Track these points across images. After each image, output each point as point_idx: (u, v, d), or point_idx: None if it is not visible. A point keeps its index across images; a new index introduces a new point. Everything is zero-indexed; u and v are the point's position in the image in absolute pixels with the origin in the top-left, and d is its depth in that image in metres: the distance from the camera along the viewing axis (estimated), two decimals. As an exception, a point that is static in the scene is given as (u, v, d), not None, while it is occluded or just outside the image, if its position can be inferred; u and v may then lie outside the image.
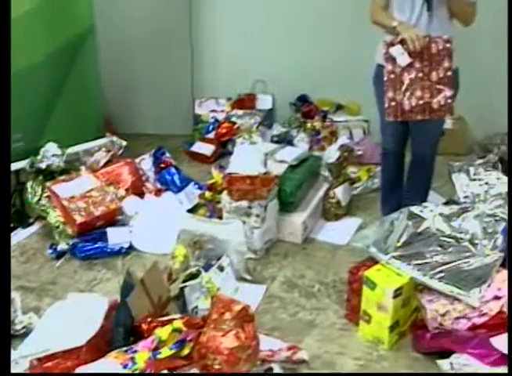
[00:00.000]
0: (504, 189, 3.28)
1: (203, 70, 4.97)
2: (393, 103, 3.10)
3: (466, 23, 3.19)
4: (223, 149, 4.64)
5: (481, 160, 3.76)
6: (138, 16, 4.78)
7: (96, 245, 3.44)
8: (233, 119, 4.73)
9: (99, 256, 3.42)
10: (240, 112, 4.79)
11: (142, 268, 3.11)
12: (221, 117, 4.81)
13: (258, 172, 3.29)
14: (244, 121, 4.68)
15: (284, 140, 4.53)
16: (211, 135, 4.71)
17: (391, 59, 3.07)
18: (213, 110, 4.90)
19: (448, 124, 4.53)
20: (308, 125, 4.63)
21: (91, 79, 4.26)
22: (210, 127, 4.77)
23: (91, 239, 3.46)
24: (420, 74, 3.05)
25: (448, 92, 3.04)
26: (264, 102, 4.93)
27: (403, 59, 3.05)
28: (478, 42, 4.46)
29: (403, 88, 3.08)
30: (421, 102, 3.07)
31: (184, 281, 2.81)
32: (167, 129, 5.04)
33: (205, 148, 4.62)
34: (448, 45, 3.01)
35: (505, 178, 3.41)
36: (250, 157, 3.40)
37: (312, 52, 4.77)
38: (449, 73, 3.03)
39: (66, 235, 3.50)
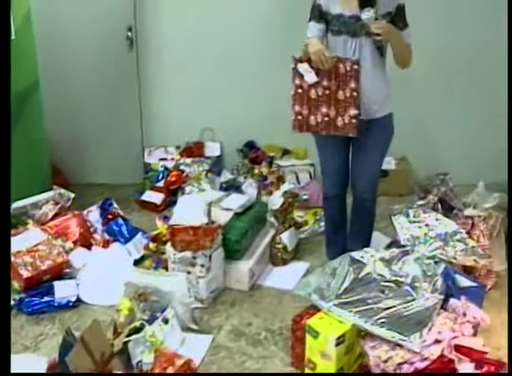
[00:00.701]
0: (444, 230, 3.36)
1: (152, 119, 5.01)
2: (299, 117, 3.24)
3: (403, 65, 3.30)
4: (173, 197, 4.65)
5: (421, 202, 3.81)
6: (86, 67, 4.81)
7: (43, 299, 3.40)
8: (182, 167, 4.76)
9: (46, 310, 3.39)
10: (189, 160, 4.82)
11: (89, 321, 3.08)
12: (170, 165, 4.83)
13: (201, 223, 3.32)
14: (193, 169, 4.71)
15: (233, 187, 4.58)
16: (161, 184, 4.73)
17: (299, 74, 3.18)
18: (162, 159, 4.92)
19: (392, 164, 4.71)
20: (256, 171, 4.68)
21: (37, 133, 4.26)
22: (160, 175, 4.79)
23: (37, 293, 3.42)
24: (327, 92, 3.15)
25: (352, 111, 3.13)
26: (212, 149, 4.98)
27: (310, 78, 3.15)
28: (417, 88, 4.63)
29: (310, 103, 3.20)
30: (326, 119, 3.18)
31: (128, 335, 2.80)
32: (117, 178, 5.04)
33: (155, 197, 4.63)
34: (355, 67, 3.10)
35: (445, 220, 3.50)
36: (192, 207, 3.43)
37: (258, 99, 4.86)
38: (355, 93, 3.12)
39: (12, 290, 3.46)
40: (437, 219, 3.39)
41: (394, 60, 3.28)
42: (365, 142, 3.36)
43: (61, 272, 3.59)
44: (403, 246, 3.23)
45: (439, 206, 3.83)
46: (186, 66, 4.86)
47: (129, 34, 4.72)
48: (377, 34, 3.07)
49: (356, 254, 2.96)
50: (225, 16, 4.74)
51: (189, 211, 3.38)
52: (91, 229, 3.99)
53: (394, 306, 2.72)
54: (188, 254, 3.26)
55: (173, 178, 4.70)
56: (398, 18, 3.17)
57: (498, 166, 4.79)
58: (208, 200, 3.62)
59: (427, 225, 3.35)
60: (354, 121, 3.14)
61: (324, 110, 3.19)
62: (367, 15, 3.04)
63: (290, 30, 4.19)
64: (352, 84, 3.10)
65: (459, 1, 4.61)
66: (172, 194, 4.68)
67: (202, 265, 3.29)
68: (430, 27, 4.53)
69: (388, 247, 3.74)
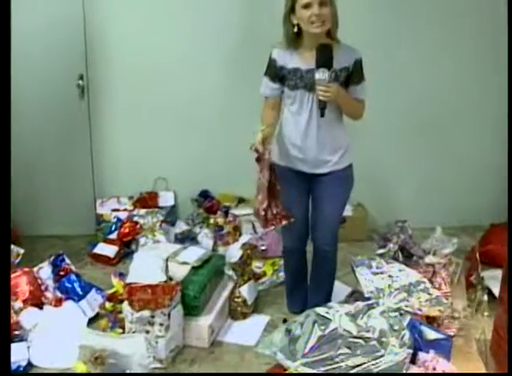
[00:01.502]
0: (407, 280, 3.32)
1: (104, 168, 4.90)
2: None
3: (353, 118, 3.29)
4: (127, 249, 4.53)
5: (381, 250, 3.78)
6: (37, 116, 4.71)
7: (-9, 365, 3.23)
8: (136, 218, 4.64)
9: (-5, 377, 3.21)
10: (143, 210, 4.71)
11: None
12: (123, 216, 4.71)
13: (159, 281, 3.20)
14: (147, 220, 4.60)
15: (188, 238, 4.48)
16: (114, 236, 4.60)
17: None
18: (115, 210, 4.80)
19: (348, 211, 4.69)
20: (211, 221, 4.61)
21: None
22: (113, 227, 4.66)
23: (-16, 358, 3.25)
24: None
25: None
26: (166, 199, 4.89)
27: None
28: (372, 133, 4.67)
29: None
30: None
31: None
32: (69, 230, 4.90)
33: (108, 249, 4.49)
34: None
35: (407, 270, 3.46)
36: (149, 264, 3.32)
37: (211, 148, 4.83)
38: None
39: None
40: (400, 270, 3.34)
41: (345, 114, 3.28)
42: (325, 194, 3.33)
43: (11, 334, 3.40)
44: (366, 298, 3.17)
45: (399, 254, 3.80)
46: (139, 115, 4.80)
47: (80, 82, 4.64)
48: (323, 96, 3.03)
49: (321, 310, 2.88)
50: (178, 63, 4.70)
51: (146, 268, 3.27)
52: (43, 287, 3.80)
53: (364, 363, 2.65)
54: (146, 313, 3.13)
55: (126, 230, 4.58)
56: (354, 73, 3.16)
57: (454, 209, 4.93)
58: (165, 255, 3.51)
59: (390, 276, 3.29)
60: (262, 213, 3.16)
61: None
62: (321, 76, 2.99)
63: (246, 78, 4.14)
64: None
65: (414, 50, 4.71)
66: (126, 246, 4.57)
67: (161, 324, 3.16)
68: (387, 74, 4.62)
69: (350, 296, 3.71)
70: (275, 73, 3.21)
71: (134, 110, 4.80)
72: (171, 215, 4.81)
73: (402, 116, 4.83)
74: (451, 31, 4.70)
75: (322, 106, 3.07)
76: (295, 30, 3.09)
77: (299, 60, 3.15)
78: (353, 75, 3.16)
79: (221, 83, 4.72)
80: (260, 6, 4.58)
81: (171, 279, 3.35)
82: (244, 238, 3.90)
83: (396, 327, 2.80)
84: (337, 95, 3.05)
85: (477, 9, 4.67)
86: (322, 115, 3.09)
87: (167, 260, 3.47)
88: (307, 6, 2.97)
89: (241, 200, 4.87)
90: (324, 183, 3.33)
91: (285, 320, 3.51)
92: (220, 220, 4.57)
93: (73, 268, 3.98)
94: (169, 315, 3.19)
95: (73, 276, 3.84)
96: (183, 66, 4.71)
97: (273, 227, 3.22)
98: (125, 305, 3.22)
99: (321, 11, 2.97)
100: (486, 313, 3.74)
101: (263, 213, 3.13)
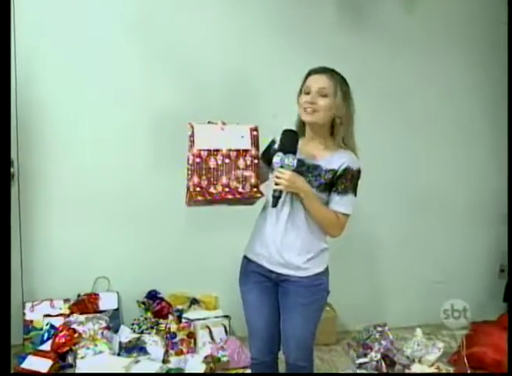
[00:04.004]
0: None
1: (35, 267, 4.33)
2: (198, 189, 2.85)
3: (327, 231, 2.89)
4: (62, 362, 3.91)
5: (363, 360, 3.36)
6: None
7: None
8: (73, 325, 4.04)
9: None
10: (81, 316, 4.12)
11: None
12: (58, 322, 4.11)
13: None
14: (87, 327, 4.01)
15: (135, 347, 3.92)
16: (47, 346, 3.98)
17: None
18: (48, 315, 4.19)
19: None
20: (162, 327, 4.08)
21: None
22: (45, 336, 4.07)
23: None
24: (227, 160, 2.87)
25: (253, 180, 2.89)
26: (108, 301, 4.32)
27: None
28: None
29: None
30: (227, 189, 2.87)
31: None
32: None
33: (39, 363, 3.85)
34: (255, 133, 2.90)
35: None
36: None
37: (156, 243, 4.38)
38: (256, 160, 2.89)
39: None
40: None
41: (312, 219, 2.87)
42: (291, 303, 2.92)
43: None
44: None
45: (382, 363, 3.38)
46: (75, 206, 4.30)
47: (11, 169, 4.13)
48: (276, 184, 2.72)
49: None
50: (115, 153, 4.31)
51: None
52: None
53: None
54: None
55: (62, 340, 3.96)
56: (340, 180, 2.80)
57: (430, 308, 4.60)
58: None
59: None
60: (255, 189, 2.87)
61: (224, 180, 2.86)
62: (276, 160, 2.72)
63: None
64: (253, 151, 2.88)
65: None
66: (61, 359, 3.94)
67: None
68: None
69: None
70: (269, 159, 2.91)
71: (70, 201, 4.30)
72: (114, 320, 4.24)
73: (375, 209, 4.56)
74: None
75: (276, 195, 2.74)
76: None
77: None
78: (339, 182, 2.80)
79: (162, 173, 4.33)
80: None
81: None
82: (205, 349, 3.39)
83: None
84: (291, 185, 2.71)
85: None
86: (273, 205, 2.76)
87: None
88: (307, 92, 2.82)
89: (194, 301, 4.37)
90: (288, 290, 2.92)
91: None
92: (172, 326, 4.04)
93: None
94: None
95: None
96: (120, 159, 4.32)
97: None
98: None
99: (317, 100, 2.78)
100: None
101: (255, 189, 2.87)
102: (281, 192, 2.73)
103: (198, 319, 4.13)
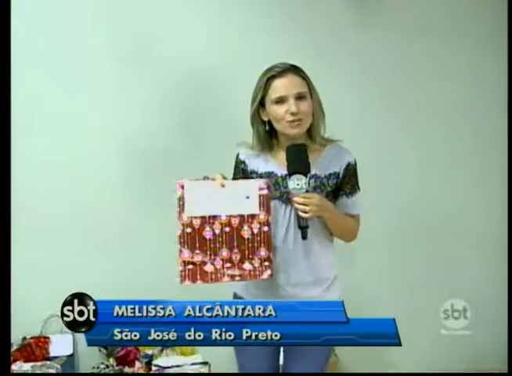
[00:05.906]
0: None
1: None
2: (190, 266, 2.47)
3: (347, 240, 2.69)
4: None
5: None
6: None
7: None
8: (16, 376, 3.45)
9: None
10: (27, 364, 3.57)
11: None
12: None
13: None
14: (33, 378, 3.41)
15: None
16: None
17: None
18: (-16, 364, 3.57)
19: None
20: (128, 377, 3.47)
21: None
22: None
23: None
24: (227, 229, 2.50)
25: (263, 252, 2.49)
26: (61, 346, 3.82)
27: None
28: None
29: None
30: (228, 264, 2.50)
31: None
32: None
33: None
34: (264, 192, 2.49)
35: None
36: None
37: (117, 273, 4.01)
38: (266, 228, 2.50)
39: None
40: None
41: (333, 234, 2.64)
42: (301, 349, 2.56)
43: None
44: None
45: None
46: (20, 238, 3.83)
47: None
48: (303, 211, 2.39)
49: None
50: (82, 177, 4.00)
51: None
52: None
53: None
54: None
55: (1, 399, 3.33)
56: (346, 180, 2.57)
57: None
58: None
59: None
60: (267, 263, 2.47)
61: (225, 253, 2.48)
62: (296, 185, 2.38)
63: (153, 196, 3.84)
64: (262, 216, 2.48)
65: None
66: (1, 420, 3.27)
67: None
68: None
69: None
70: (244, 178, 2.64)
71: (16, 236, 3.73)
72: (67, 369, 3.72)
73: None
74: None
75: (303, 225, 2.40)
76: (267, 128, 2.56)
77: (273, 163, 2.58)
78: (344, 183, 2.57)
79: (126, 199, 4.04)
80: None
81: None
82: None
83: None
84: (321, 209, 2.40)
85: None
86: (303, 237, 2.42)
87: None
88: (280, 101, 2.45)
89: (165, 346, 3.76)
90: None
91: None
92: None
93: None
94: None
95: None
96: (87, 181, 4.02)
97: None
98: None
99: (299, 107, 2.44)
100: None
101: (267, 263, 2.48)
102: (307, 220, 2.40)
103: (171, 367, 3.65)
